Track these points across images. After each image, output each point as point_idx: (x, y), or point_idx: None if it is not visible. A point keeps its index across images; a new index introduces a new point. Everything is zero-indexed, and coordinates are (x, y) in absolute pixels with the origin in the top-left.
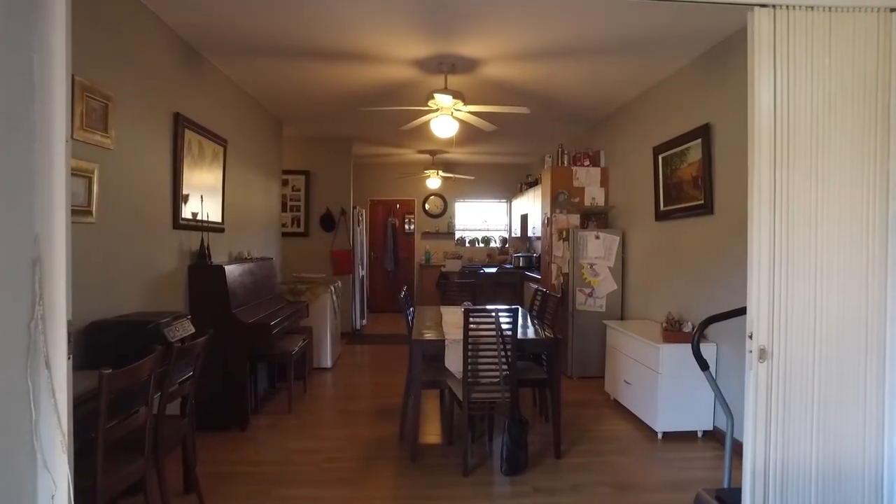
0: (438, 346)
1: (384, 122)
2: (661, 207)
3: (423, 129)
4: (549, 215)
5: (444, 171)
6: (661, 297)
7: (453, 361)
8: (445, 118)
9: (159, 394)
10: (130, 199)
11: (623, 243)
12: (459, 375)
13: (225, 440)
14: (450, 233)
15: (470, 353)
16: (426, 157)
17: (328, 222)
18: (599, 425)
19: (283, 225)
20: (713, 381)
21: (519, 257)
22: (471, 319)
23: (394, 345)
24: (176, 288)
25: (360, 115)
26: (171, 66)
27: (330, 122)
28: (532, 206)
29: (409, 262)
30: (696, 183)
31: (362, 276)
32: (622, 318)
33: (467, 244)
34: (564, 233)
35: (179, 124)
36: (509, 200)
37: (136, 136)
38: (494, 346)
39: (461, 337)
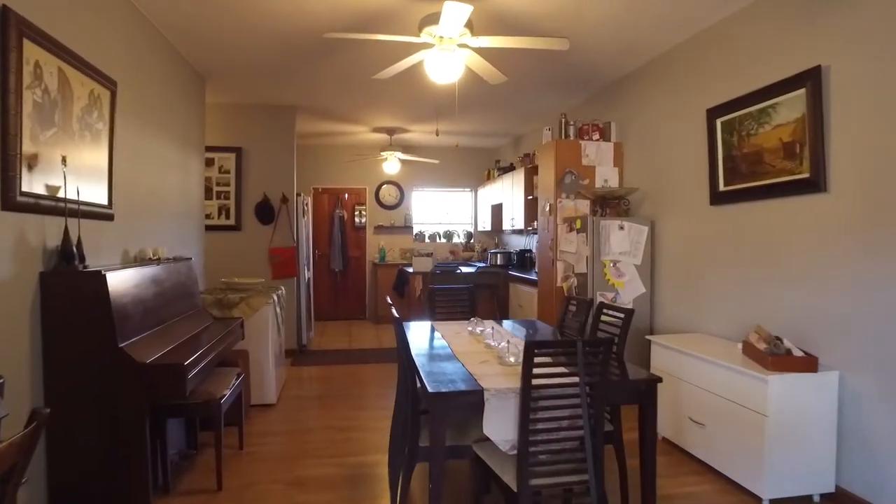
0: (471, 401)
1: (346, 78)
2: (721, 187)
3: (398, 89)
4: (551, 201)
5: (403, 154)
6: (722, 304)
7: (499, 426)
8: (446, 54)
9: None
10: None
11: (651, 235)
12: (507, 446)
13: None
14: (407, 226)
15: (531, 414)
16: (383, 136)
17: (266, 212)
18: (670, 486)
19: (209, 216)
20: None
21: (496, 254)
22: (537, 360)
23: (349, 364)
24: (10, 315)
25: (310, 71)
26: None
27: (270, 80)
28: (509, 195)
29: (360, 261)
30: (789, 150)
31: (308, 279)
32: (652, 330)
33: (427, 239)
34: (578, 222)
35: (10, 26)
36: (474, 189)
37: None
38: (578, 403)
39: (512, 387)
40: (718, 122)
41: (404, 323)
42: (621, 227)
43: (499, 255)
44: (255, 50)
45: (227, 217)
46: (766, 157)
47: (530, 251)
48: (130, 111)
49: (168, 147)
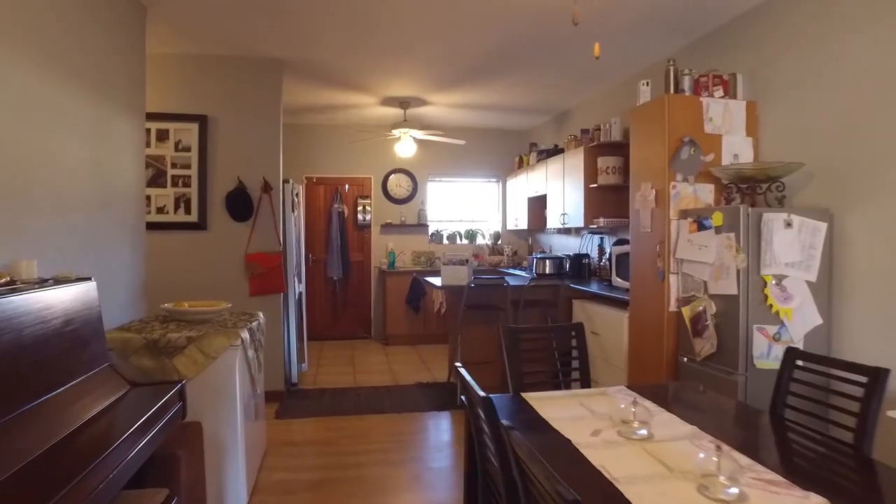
0: None
1: (355, 11)
2: None
3: (430, 28)
4: (659, 186)
5: (420, 132)
6: None
7: None
8: None
9: None
10: None
11: (829, 236)
12: None
13: None
14: (421, 224)
15: None
16: (395, 111)
17: (241, 205)
18: None
19: (162, 209)
20: None
21: (543, 260)
22: None
23: (356, 415)
24: None
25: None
26: None
27: (246, 16)
28: (557, 184)
29: (364, 268)
30: None
31: (300, 295)
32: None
33: (445, 240)
34: (717, 217)
35: None
36: (501, 180)
37: None
38: None
39: None
40: None
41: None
42: (789, 224)
43: (547, 262)
44: None
45: (188, 211)
46: None
47: (588, 256)
48: None
49: (62, 92)
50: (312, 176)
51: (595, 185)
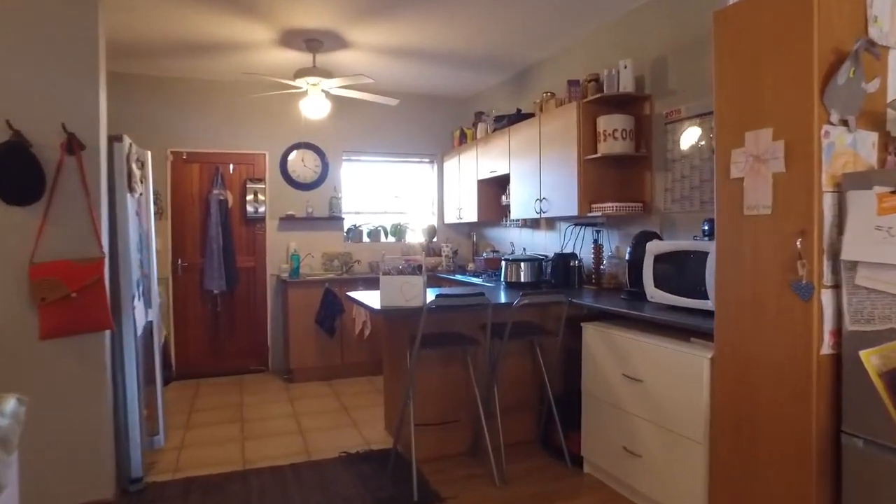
0: None
1: None
2: None
3: None
4: (776, 138)
5: (335, 82)
6: None
7: None
8: None
9: None
10: None
11: None
12: None
13: None
14: (334, 217)
15: None
16: (301, 55)
17: (19, 174)
18: None
19: None
20: None
21: (515, 263)
22: None
23: None
24: None
25: None
26: None
27: None
28: (527, 161)
29: (257, 276)
30: None
31: (149, 326)
32: None
33: (366, 237)
34: None
35: None
36: (437, 160)
37: None
38: None
39: None
40: None
41: None
42: None
43: (522, 266)
44: None
45: None
46: None
47: (576, 257)
48: None
49: None
50: (181, 151)
51: (596, 156)
